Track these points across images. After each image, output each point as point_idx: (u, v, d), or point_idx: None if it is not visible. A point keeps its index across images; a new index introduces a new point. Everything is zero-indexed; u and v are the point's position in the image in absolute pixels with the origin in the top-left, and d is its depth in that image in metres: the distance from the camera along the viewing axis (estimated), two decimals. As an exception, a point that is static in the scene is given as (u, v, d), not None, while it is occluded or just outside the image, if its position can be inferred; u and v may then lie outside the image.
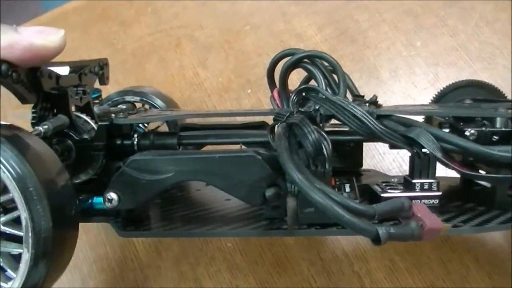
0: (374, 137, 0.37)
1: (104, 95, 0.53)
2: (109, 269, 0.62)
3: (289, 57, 0.42)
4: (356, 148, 0.44)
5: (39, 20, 0.81)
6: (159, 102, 0.55)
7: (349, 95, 0.43)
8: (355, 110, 0.36)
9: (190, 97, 0.69)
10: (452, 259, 0.58)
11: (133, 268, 0.61)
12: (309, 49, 0.43)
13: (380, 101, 0.42)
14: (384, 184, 0.40)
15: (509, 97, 0.50)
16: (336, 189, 0.38)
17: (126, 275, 0.61)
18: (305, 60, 0.42)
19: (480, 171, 0.39)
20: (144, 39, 0.75)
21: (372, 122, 0.36)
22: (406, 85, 0.66)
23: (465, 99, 0.47)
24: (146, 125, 0.47)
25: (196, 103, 0.68)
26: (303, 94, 0.41)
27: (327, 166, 0.35)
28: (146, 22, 0.76)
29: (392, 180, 0.42)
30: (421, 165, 0.38)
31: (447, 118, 0.41)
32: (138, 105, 0.55)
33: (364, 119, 0.36)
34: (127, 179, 0.36)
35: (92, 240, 0.63)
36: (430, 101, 0.51)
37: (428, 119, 0.45)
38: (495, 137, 0.38)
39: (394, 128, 0.37)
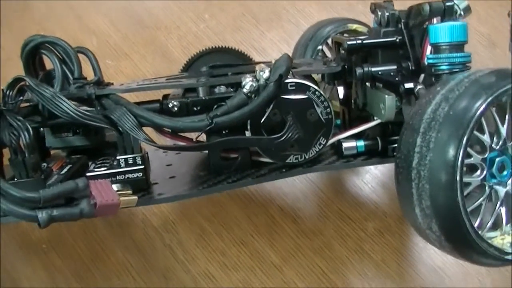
0: (79, 123, 0.37)
1: None
2: None
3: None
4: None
5: None
6: None
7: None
8: (57, 99, 0.37)
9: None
10: (258, 213, 0.60)
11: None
12: (47, 35, 0.43)
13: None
14: (99, 163, 0.41)
15: (257, 59, 0.53)
16: (58, 169, 0.39)
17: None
18: (46, 46, 0.43)
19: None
20: None
21: (70, 109, 0.36)
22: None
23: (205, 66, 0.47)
24: None
25: None
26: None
27: (26, 155, 0.36)
28: None
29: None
30: (124, 142, 0.39)
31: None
32: None
33: (62, 106, 0.36)
34: None
35: None
36: (180, 71, 0.52)
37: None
38: (197, 107, 0.40)
39: (111, 108, 0.38)
